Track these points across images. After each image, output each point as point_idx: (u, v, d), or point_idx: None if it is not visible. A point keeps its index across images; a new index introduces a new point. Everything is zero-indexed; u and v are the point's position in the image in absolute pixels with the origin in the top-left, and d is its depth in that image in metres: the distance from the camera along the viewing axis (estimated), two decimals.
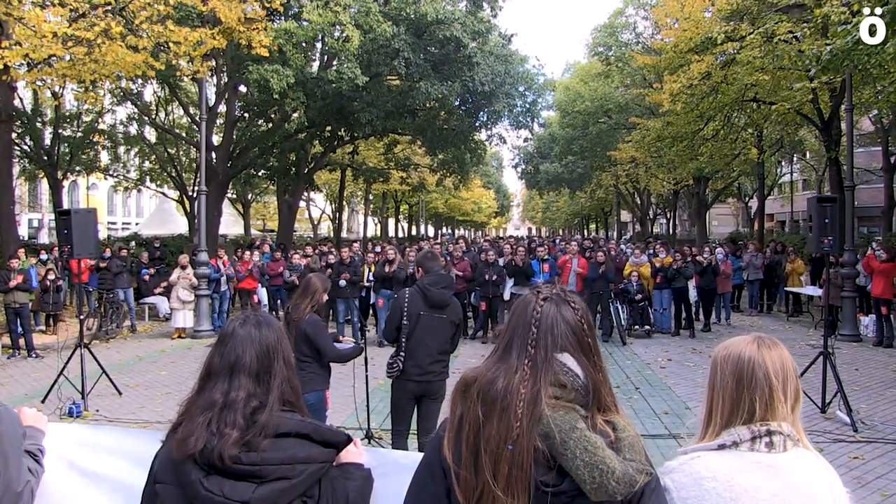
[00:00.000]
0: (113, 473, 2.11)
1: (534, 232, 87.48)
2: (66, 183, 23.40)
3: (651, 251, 14.11)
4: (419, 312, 4.69)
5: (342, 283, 11.75)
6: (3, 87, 13.10)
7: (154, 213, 31.85)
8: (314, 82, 16.76)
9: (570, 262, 12.58)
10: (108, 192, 45.01)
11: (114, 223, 47.85)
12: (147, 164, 26.32)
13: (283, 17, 16.84)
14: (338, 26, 16.12)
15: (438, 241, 33.01)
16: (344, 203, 34.07)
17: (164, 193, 28.45)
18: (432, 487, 1.43)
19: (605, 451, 1.30)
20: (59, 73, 10.99)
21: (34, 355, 10.72)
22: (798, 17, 12.67)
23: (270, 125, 20.56)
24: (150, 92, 23.19)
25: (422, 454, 1.56)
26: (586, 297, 11.23)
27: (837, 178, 15.49)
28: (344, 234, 34.04)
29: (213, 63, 16.33)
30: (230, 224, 29.73)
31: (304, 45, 16.81)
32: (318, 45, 18.54)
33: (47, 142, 20.45)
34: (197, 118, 16.60)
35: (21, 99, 18.73)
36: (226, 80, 18.19)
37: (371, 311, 12.71)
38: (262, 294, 14.34)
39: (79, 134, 21.15)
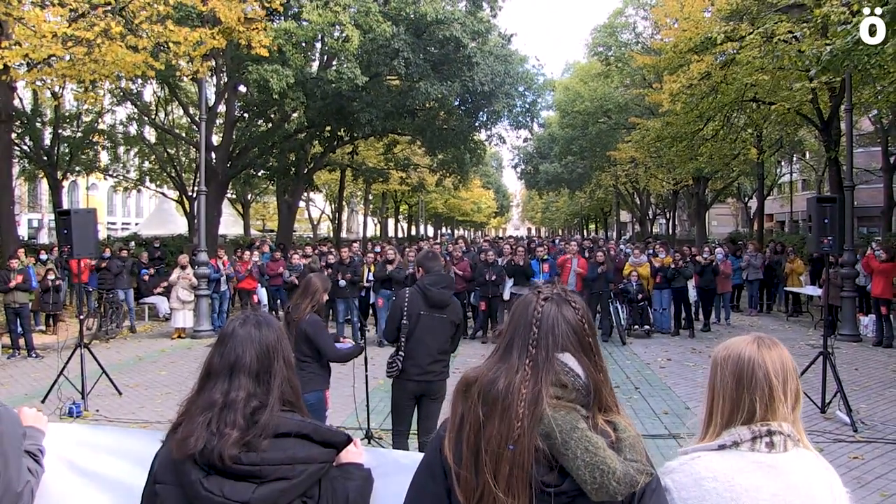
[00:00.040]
0: (113, 473, 2.10)
1: (533, 232, 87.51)
2: (65, 183, 23.38)
3: (651, 251, 14.11)
4: (419, 312, 4.69)
5: (342, 283, 11.76)
6: (3, 87, 13.09)
7: (154, 213, 31.84)
8: (314, 82, 16.76)
9: (569, 261, 12.59)
10: (108, 193, 44.99)
11: (113, 223, 47.83)
12: (147, 164, 26.33)
13: (282, 17, 16.84)
14: (337, 26, 16.12)
15: (438, 241, 32.99)
16: (343, 203, 34.07)
17: (163, 194, 28.44)
18: (433, 487, 1.43)
19: (606, 452, 1.30)
20: (59, 73, 10.99)
21: (34, 355, 10.72)
22: (798, 17, 12.67)
23: (270, 125, 20.56)
24: (150, 92, 23.21)
25: (422, 454, 1.56)
26: (586, 297, 11.23)
27: (837, 179, 15.49)
28: (343, 235, 34.04)
29: (213, 63, 16.33)
30: (230, 224, 29.73)
31: (303, 45, 16.81)
32: (318, 45, 18.54)
33: (47, 142, 20.44)
34: (197, 118, 16.60)
35: (21, 99, 18.72)
36: (225, 80, 18.18)
37: (371, 311, 12.71)
38: (262, 294, 14.35)
39: (78, 134, 21.14)
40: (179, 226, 25.65)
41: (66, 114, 20.91)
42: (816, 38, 11.42)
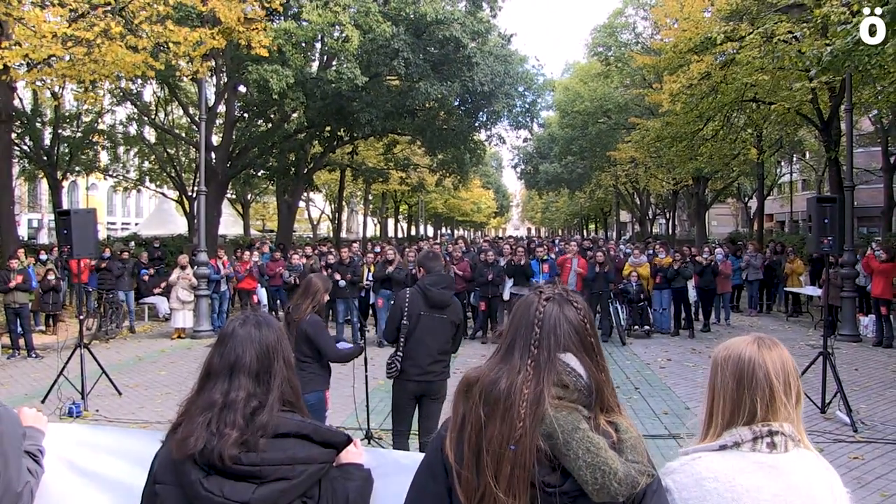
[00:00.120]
0: (113, 473, 2.10)
1: (533, 232, 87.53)
2: (65, 183, 23.39)
3: (650, 251, 14.11)
4: (419, 312, 4.69)
5: (342, 283, 11.76)
6: (3, 88, 13.09)
7: (153, 213, 31.84)
8: (314, 82, 16.76)
9: (569, 261, 12.59)
10: (108, 193, 44.97)
11: (113, 223, 47.83)
12: (146, 164, 26.33)
13: (282, 17, 16.83)
14: (337, 26, 16.12)
15: (438, 241, 32.99)
16: (343, 203, 34.07)
17: (163, 194, 28.44)
18: (433, 487, 1.43)
19: (608, 452, 1.30)
20: (59, 74, 10.99)
21: (34, 355, 10.72)
22: (798, 17, 12.67)
23: (270, 125, 20.56)
24: (150, 92, 23.21)
25: (422, 454, 1.56)
26: (586, 298, 11.20)
27: (837, 179, 15.49)
28: (343, 235, 34.04)
29: (213, 63, 16.33)
30: (230, 224, 29.72)
31: (303, 45, 16.81)
32: (318, 45, 18.54)
33: (47, 142, 20.44)
34: (196, 118, 16.60)
35: (21, 99, 18.72)
36: (225, 80, 18.19)
37: (371, 312, 12.71)
38: (262, 294, 14.35)
39: (78, 134, 21.14)
40: (179, 226, 25.64)
41: (66, 114, 20.91)
42: (816, 38, 11.42)
